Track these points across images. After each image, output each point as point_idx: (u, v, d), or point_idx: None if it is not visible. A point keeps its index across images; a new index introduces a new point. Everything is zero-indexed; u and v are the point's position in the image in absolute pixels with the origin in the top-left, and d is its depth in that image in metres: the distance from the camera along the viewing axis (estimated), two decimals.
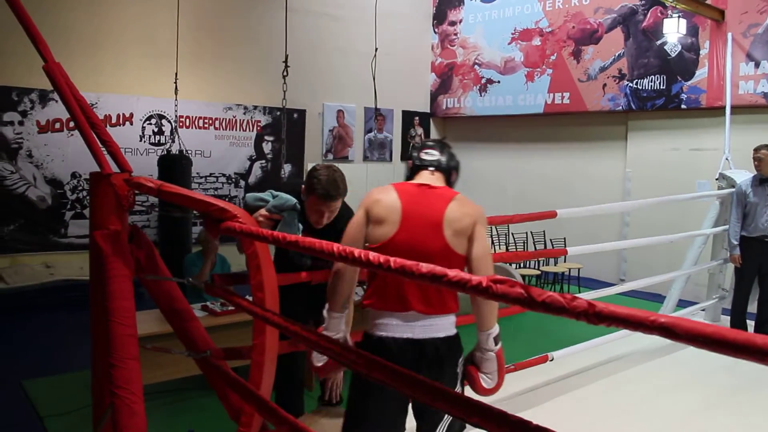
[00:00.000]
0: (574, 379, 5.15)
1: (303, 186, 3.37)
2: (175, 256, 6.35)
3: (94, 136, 2.69)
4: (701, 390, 5.11)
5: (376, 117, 11.33)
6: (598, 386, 5.09)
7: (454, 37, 12.16)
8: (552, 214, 4.63)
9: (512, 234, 10.28)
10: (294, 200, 3.36)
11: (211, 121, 9.79)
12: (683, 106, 9.24)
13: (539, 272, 9.05)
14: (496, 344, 2.68)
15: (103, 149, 2.72)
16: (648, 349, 5.91)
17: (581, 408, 4.60)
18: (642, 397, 4.87)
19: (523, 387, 4.78)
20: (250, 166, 10.25)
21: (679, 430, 4.14)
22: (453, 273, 1.68)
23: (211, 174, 9.82)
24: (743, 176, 6.36)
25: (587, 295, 5.73)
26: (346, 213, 3.35)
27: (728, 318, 6.41)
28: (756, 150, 6.09)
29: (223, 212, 2.26)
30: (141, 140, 9.14)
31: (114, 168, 2.65)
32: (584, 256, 8.10)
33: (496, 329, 2.66)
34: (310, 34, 10.40)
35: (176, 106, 8.14)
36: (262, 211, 3.32)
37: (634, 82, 9.67)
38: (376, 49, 7.61)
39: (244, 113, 10.11)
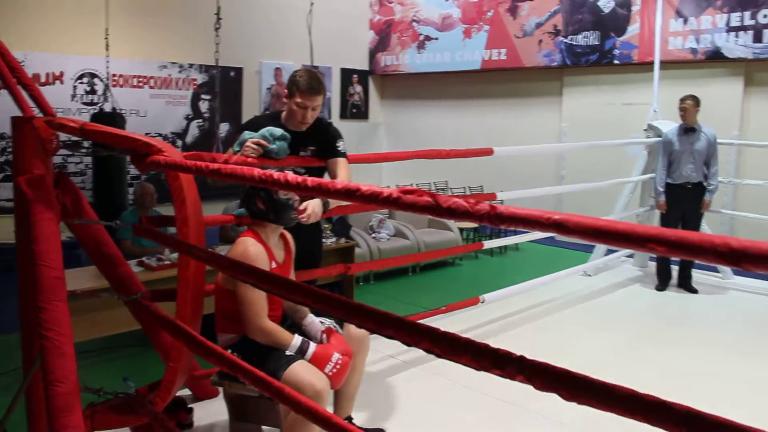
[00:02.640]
0: (506, 322, 5.32)
1: (285, 90, 3.51)
2: (109, 203, 6.28)
3: (14, 79, 2.64)
4: (626, 329, 5.35)
5: None
6: (529, 327, 5.27)
7: None
8: (488, 151, 4.74)
9: (451, 189, 10.41)
10: (281, 130, 3.40)
11: (145, 80, 9.57)
12: (616, 62, 9.43)
13: (477, 224, 9.21)
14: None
15: (24, 93, 2.68)
16: (576, 294, 6.13)
17: (512, 348, 4.75)
18: (570, 338, 5.07)
19: (456, 330, 4.90)
20: (187, 126, 10.09)
21: (607, 366, 4.33)
22: (366, 187, 1.73)
23: (147, 133, 9.56)
24: (669, 126, 6.56)
25: (517, 238, 5.88)
26: (334, 129, 3.65)
27: (654, 264, 6.67)
28: (681, 101, 6.28)
29: (148, 146, 2.27)
30: (73, 99, 8.88)
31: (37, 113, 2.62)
32: (521, 206, 8.25)
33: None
34: None
35: (108, 64, 7.94)
36: (251, 139, 3.32)
37: (569, 38, 9.80)
38: (312, 4, 7.54)
39: (180, 71, 9.92)
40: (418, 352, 4.33)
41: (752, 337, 5.22)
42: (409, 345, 1.96)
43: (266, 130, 3.35)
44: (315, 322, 3.05)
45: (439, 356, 1.93)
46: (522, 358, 1.77)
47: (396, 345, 4.23)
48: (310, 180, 1.85)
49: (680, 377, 4.28)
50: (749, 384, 4.24)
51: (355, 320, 2.11)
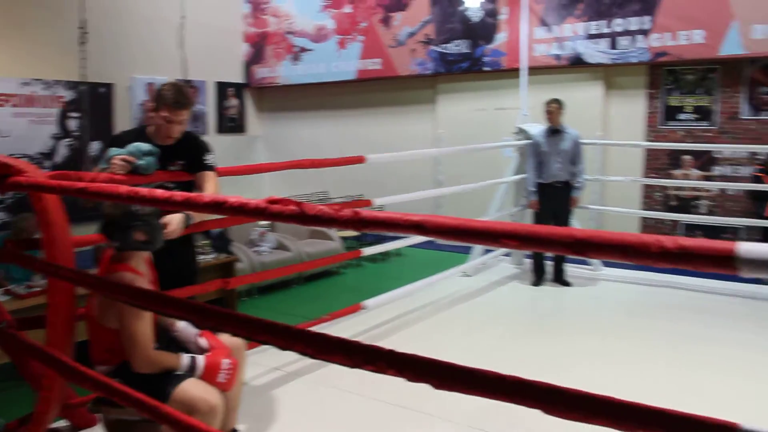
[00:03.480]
0: (390, 326, 5.35)
1: (151, 104, 3.45)
2: None
3: None
4: (506, 324, 5.50)
5: None
6: (413, 330, 5.32)
7: (266, 5, 12.02)
8: (361, 159, 4.78)
9: (331, 199, 10.42)
10: (149, 145, 3.29)
11: (6, 98, 9.07)
12: (486, 69, 9.75)
13: (359, 233, 9.26)
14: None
15: None
16: (456, 294, 6.25)
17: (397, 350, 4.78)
18: (454, 336, 5.16)
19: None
20: (55, 145, 9.62)
21: (490, 358, 4.43)
22: (233, 199, 1.70)
23: (11, 155, 9.09)
24: (537, 129, 6.83)
25: (395, 244, 5.93)
26: (202, 143, 3.60)
27: (529, 261, 6.91)
28: (547, 104, 6.56)
29: (6, 167, 2.14)
30: None
31: None
32: (401, 211, 8.36)
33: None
34: (116, 2, 9.89)
35: None
36: (118, 156, 3.18)
37: (441, 46, 10.06)
38: (183, 18, 7.37)
39: (45, 88, 9.43)
40: (303, 363, 4.30)
41: (622, 323, 5.49)
42: (283, 348, 1.94)
43: (133, 146, 3.24)
44: (188, 327, 2.95)
45: (312, 356, 1.91)
46: (391, 351, 1.78)
47: (281, 357, 4.17)
48: (178, 195, 1.80)
49: (558, 363, 4.43)
50: (620, 365, 4.46)
51: (228, 329, 2.07)
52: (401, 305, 5.70)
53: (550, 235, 1.45)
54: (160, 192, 1.78)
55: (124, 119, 10.23)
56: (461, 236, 1.54)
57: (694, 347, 4.84)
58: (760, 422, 1.24)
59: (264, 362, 4.33)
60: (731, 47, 8.17)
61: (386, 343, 4.75)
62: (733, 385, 4.14)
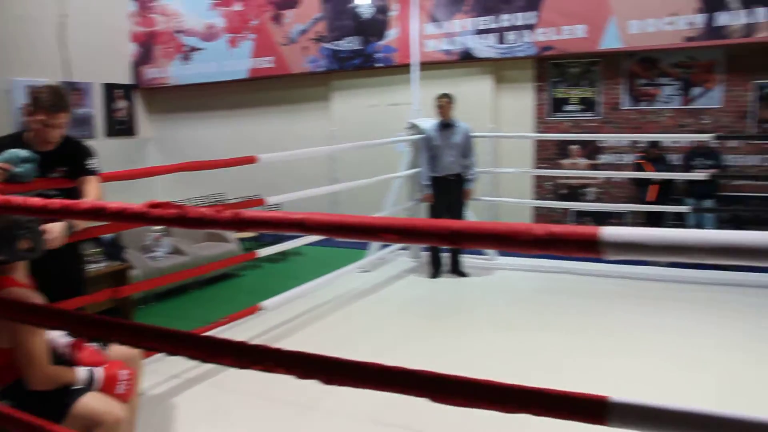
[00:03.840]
0: (290, 326, 5.31)
1: (26, 108, 3.28)
2: None
3: None
4: (405, 318, 5.56)
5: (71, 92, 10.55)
6: (313, 328, 5.29)
7: (153, 4, 11.67)
8: (252, 159, 4.72)
9: (227, 201, 10.24)
10: (27, 151, 3.12)
11: None
12: (379, 65, 9.81)
13: (257, 233, 9.14)
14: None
15: None
16: (355, 290, 6.27)
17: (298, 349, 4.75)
18: (354, 332, 5.17)
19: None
20: None
21: (394, 351, 4.48)
22: (113, 204, 1.65)
23: None
24: (429, 123, 6.92)
25: (292, 243, 5.88)
26: (84, 147, 3.49)
27: (427, 254, 7.01)
28: (437, 98, 6.66)
29: None
30: None
31: None
32: (297, 209, 8.31)
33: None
34: None
35: None
36: None
37: (333, 43, 10.04)
38: (65, 16, 7.05)
39: None
40: (202, 369, 4.20)
41: (517, 310, 5.66)
42: (172, 354, 1.89)
43: (10, 153, 3.08)
44: (56, 337, 2.81)
45: (203, 360, 1.87)
46: (279, 350, 1.76)
47: (179, 364, 4.06)
48: (55, 203, 1.72)
49: (458, 353, 4.52)
50: (515, 351, 4.58)
51: (116, 338, 1.99)
52: (301, 304, 5.67)
53: (427, 228, 1.47)
54: (35, 200, 1.69)
55: (1, 124, 9.70)
56: (341, 232, 1.54)
57: (587, 330, 5.03)
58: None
59: (162, 370, 4.21)
60: (610, 41, 8.53)
61: (286, 343, 4.75)
62: (623, 365, 4.32)
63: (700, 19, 8.11)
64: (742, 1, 7.86)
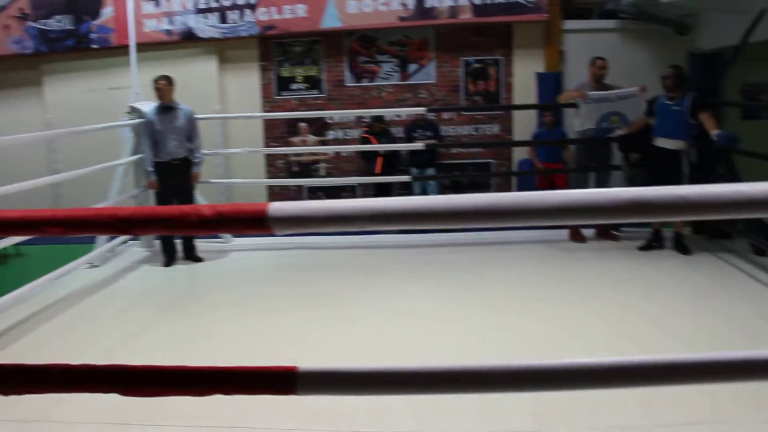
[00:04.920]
0: (16, 332, 4.86)
1: None
2: None
3: None
4: (142, 309, 5.33)
5: None
6: (42, 331, 4.89)
7: None
8: None
9: None
10: None
11: None
12: (94, 46, 9.22)
13: None
14: None
15: None
16: (85, 287, 5.92)
17: (35, 356, 4.38)
18: (86, 331, 4.86)
19: None
20: None
21: (128, 345, 4.29)
22: None
23: None
24: (149, 107, 6.66)
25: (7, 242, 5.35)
26: None
27: (159, 242, 6.80)
28: (155, 81, 6.42)
29: None
30: None
31: None
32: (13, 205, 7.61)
33: None
34: None
35: None
36: None
37: (40, 22, 9.25)
38: None
39: None
40: None
41: (253, 289, 5.69)
42: None
43: None
44: None
45: None
46: None
47: None
48: None
49: (194, 341, 4.42)
50: (253, 331, 4.59)
51: None
52: (24, 309, 5.20)
53: (94, 218, 1.42)
54: None
55: None
56: (10, 229, 1.44)
57: (324, 303, 5.19)
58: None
59: None
60: (330, 21, 8.81)
61: (10, 352, 4.35)
62: (358, 331, 4.54)
63: (411, 1, 8.65)
64: None
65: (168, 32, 8.99)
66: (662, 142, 6.22)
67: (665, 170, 6.12)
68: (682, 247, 6.25)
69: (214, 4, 8.93)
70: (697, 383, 1.43)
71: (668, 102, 6.19)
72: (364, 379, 1.43)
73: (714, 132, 5.85)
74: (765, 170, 6.19)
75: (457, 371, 1.41)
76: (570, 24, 8.98)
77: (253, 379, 1.44)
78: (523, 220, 1.25)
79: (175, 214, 1.33)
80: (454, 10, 8.68)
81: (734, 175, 6.56)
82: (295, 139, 9.36)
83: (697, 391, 1.33)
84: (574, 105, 6.87)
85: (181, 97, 6.61)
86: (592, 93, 6.70)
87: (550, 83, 8.71)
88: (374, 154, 8.52)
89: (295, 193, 9.36)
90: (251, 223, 1.31)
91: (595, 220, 1.30)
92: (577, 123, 6.94)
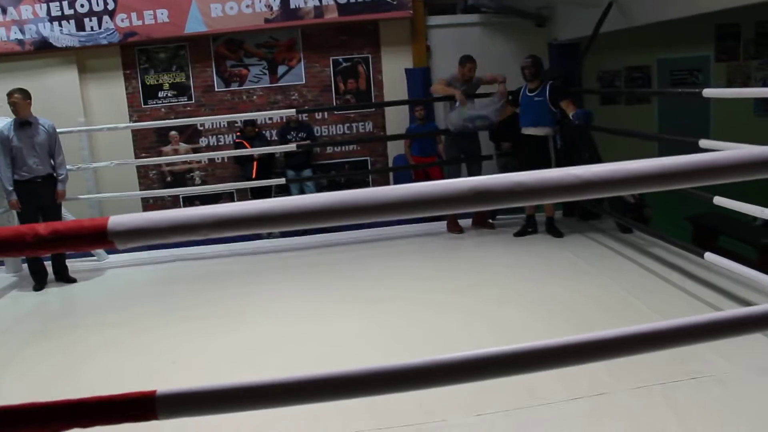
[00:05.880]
0: None
1: None
2: None
3: None
4: (12, 339, 5.04)
5: None
6: None
7: None
8: None
9: None
10: None
11: None
12: None
13: None
14: None
15: None
16: None
17: None
18: None
19: None
20: None
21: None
22: None
23: None
24: (4, 122, 6.29)
25: None
26: None
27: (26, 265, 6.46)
28: (8, 95, 6.06)
29: None
30: None
31: None
32: None
33: None
34: None
35: None
36: None
37: None
38: None
39: None
40: None
41: (129, 308, 5.48)
42: None
43: None
44: None
45: None
46: None
47: None
48: None
49: (69, 370, 4.23)
50: (135, 351, 4.44)
51: None
52: None
53: None
54: None
55: None
56: None
57: (209, 315, 5.07)
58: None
59: None
60: (194, 25, 8.62)
61: None
62: (243, 339, 4.47)
63: (276, 2, 8.60)
64: None
65: (20, 42, 8.51)
66: (529, 131, 6.50)
67: (534, 156, 6.40)
68: (554, 230, 6.55)
69: (69, 12, 8.53)
70: (581, 363, 1.50)
71: (530, 93, 6.47)
72: (224, 397, 1.37)
73: (571, 114, 6.20)
74: (622, 148, 6.58)
75: (323, 379, 1.38)
76: (434, 20, 9.21)
77: (110, 408, 1.35)
78: (371, 216, 1.25)
79: (8, 235, 1.25)
80: (319, 10, 8.69)
81: (596, 158, 6.94)
82: (167, 149, 9.10)
83: (576, 367, 1.43)
84: (448, 99, 6.92)
85: (40, 110, 6.28)
86: (469, 110, 6.72)
87: (418, 78, 8.90)
88: (249, 159, 8.43)
89: (171, 204, 9.09)
90: (92, 239, 1.24)
91: (440, 212, 1.33)
92: (453, 116, 6.92)
